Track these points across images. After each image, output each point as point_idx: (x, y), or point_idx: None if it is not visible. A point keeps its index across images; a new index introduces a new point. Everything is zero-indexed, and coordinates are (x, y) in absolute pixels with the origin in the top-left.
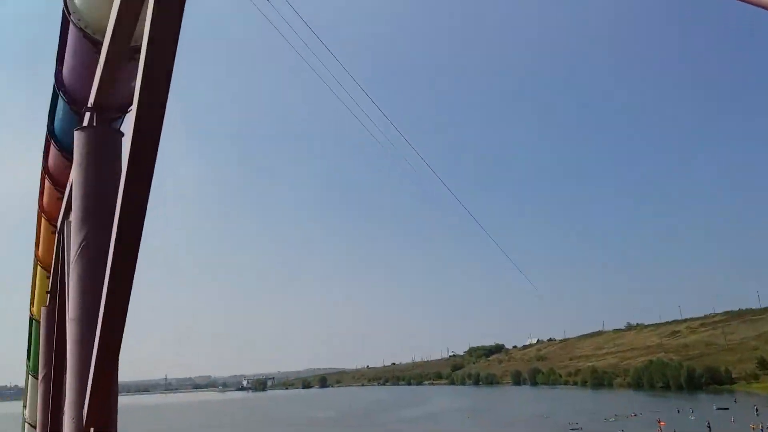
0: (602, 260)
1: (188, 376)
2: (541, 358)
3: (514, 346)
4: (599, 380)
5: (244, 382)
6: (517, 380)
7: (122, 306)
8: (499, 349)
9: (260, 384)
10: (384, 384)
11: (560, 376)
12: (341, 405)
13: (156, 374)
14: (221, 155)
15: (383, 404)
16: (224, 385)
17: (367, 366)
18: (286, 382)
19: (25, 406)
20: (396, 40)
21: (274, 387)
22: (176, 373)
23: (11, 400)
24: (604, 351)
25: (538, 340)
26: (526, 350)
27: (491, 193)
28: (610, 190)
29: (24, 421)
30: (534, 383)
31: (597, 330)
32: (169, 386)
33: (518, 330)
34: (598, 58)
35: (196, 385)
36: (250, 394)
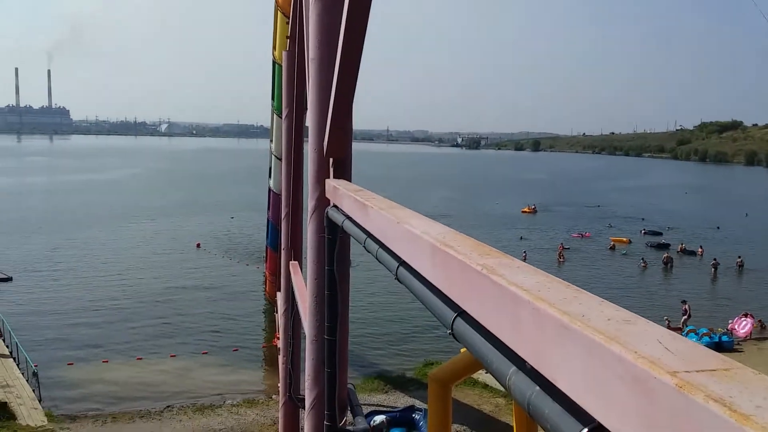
0: None
1: (407, 129)
2: None
3: (754, 125)
4: None
5: (459, 140)
6: (751, 161)
7: (357, 50)
8: (735, 126)
9: (474, 142)
10: (599, 153)
11: None
12: (553, 169)
13: (379, 125)
14: None
15: (597, 172)
16: (440, 140)
17: (584, 133)
18: (499, 143)
19: (271, 141)
20: None
21: (486, 147)
22: (396, 126)
23: (258, 137)
24: None
25: None
26: None
27: None
28: None
29: (271, 153)
30: None
31: None
32: (390, 137)
33: (763, 108)
34: None
35: (414, 138)
36: (463, 151)
